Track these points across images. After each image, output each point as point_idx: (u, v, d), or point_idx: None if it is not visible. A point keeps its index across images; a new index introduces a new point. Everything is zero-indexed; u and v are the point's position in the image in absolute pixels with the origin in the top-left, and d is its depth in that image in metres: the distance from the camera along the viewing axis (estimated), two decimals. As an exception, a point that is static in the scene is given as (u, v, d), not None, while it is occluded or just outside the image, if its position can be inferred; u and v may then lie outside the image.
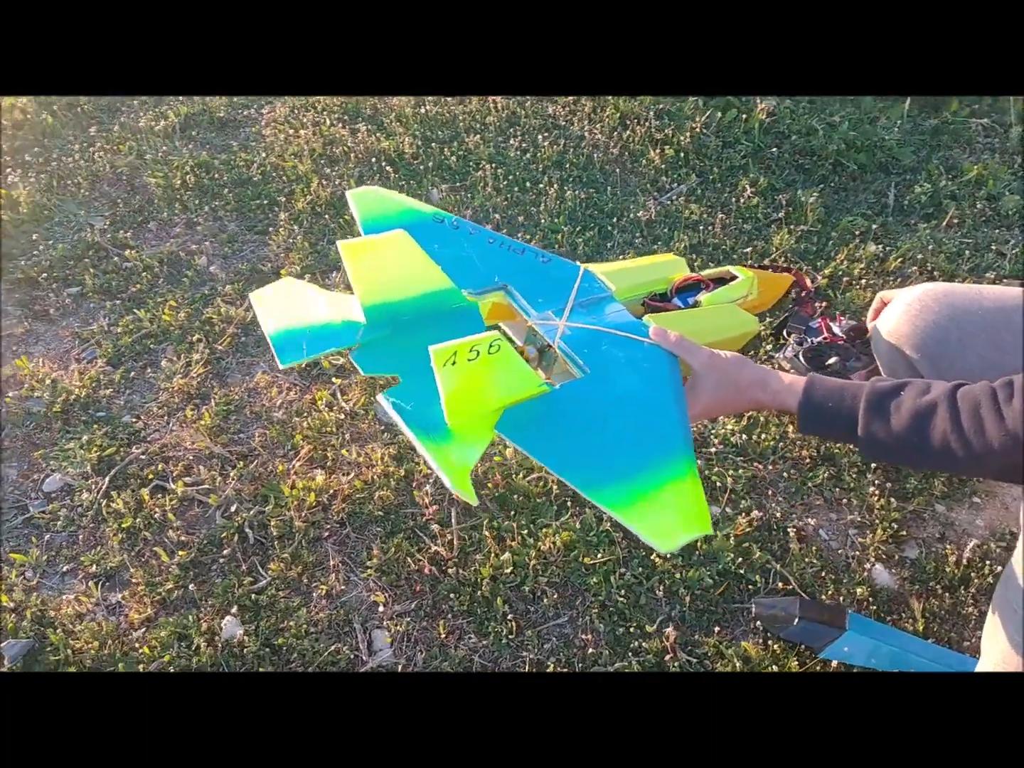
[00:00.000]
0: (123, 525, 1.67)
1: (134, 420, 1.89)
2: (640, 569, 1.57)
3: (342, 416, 1.85)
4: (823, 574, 1.57)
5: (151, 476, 1.77)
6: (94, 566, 1.62)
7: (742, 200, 2.39)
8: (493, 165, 2.49)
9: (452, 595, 1.55)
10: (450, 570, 1.57)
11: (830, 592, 1.54)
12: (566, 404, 1.15)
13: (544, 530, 1.63)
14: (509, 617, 1.51)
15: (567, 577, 1.58)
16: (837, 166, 2.54)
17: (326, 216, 2.37)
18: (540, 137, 2.60)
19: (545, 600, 1.55)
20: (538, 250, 1.40)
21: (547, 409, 1.14)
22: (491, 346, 1.05)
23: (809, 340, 1.83)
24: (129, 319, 2.11)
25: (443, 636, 1.51)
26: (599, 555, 1.59)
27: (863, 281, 2.15)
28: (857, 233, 2.30)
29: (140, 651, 1.49)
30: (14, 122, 2.75)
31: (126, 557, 1.63)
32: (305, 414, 1.86)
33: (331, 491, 1.71)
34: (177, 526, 1.66)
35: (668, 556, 1.57)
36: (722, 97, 2.69)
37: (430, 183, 2.47)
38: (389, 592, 1.58)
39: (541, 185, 2.43)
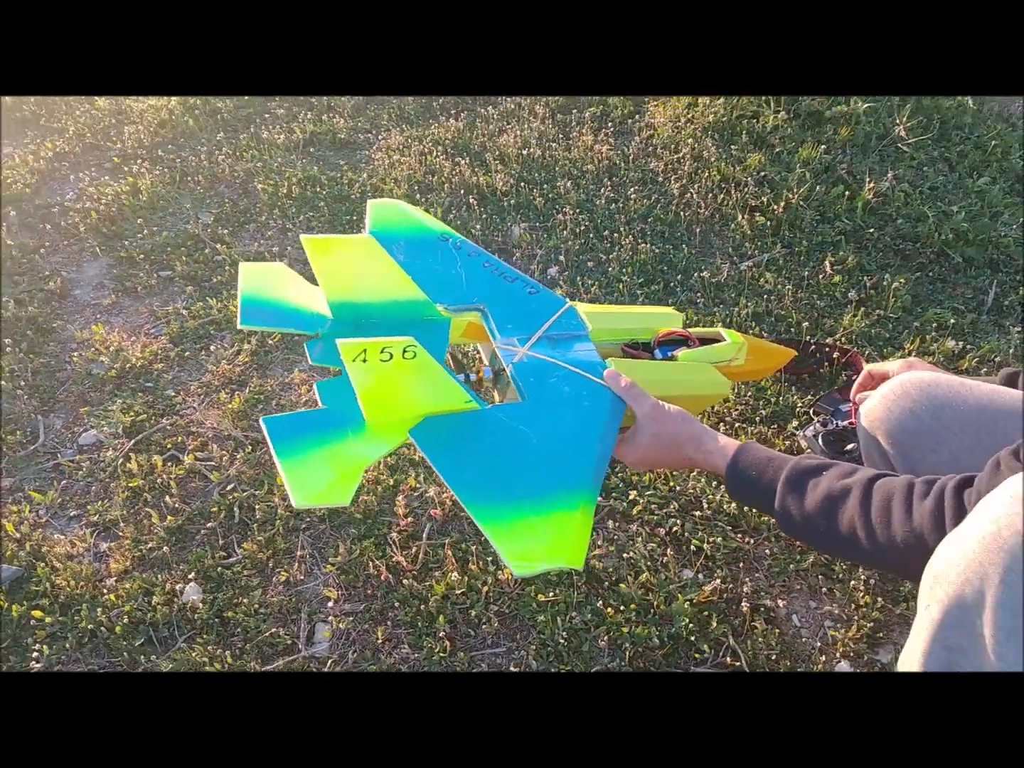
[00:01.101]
0: (131, 484, 1.84)
1: (174, 395, 2.08)
2: (591, 616, 1.57)
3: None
4: (779, 659, 1.51)
5: (170, 446, 1.94)
6: (96, 516, 1.80)
7: (822, 276, 2.35)
8: (577, 211, 2.58)
9: (400, 604, 1.61)
10: (405, 581, 1.63)
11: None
12: (490, 425, 1.22)
13: (508, 561, 1.66)
14: (444, 635, 1.55)
15: (517, 610, 1.61)
16: (940, 256, 2.45)
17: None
18: (633, 190, 2.67)
19: (487, 627, 1.58)
20: (531, 281, 1.49)
21: (469, 426, 1.22)
22: (405, 351, 1.13)
23: (834, 423, 1.79)
24: (200, 305, 2.33)
25: (379, 641, 1.57)
26: (553, 594, 1.60)
27: (927, 374, 2.05)
28: (939, 327, 2.21)
29: (106, 597, 1.63)
30: (159, 121, 3.11)
31: (124, 513, 1.80)
32: (323, 414, 1.99)
33: (321, 487, 1.81)
34: (176, 494, 1.82)
35: (612, 606, 1.57)
36: (831, 177, 2.66)
37: (513, 220, 2.58)
38: (343, 590, 1.65)
39: (618, 235, 2.49)
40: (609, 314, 1.48)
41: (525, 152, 2.85)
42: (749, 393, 1.99)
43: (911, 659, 0.90)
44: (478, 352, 1.58)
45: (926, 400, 1.32)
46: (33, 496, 1.84)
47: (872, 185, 2.59)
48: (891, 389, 1.36)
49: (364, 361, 1.13)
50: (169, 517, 1.77)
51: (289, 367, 2.16)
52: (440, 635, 1.55)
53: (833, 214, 2.57)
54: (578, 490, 1.15)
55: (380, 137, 3.06)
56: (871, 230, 2.51)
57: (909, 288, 2.31)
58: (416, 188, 2.73)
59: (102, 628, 1.59)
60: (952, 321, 2.20)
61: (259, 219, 2.67)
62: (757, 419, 1.93)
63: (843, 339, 2.16)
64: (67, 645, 1.56)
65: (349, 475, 1.16)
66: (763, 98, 3.00)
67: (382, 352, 1.13)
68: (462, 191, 2.68)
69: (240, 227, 2.65)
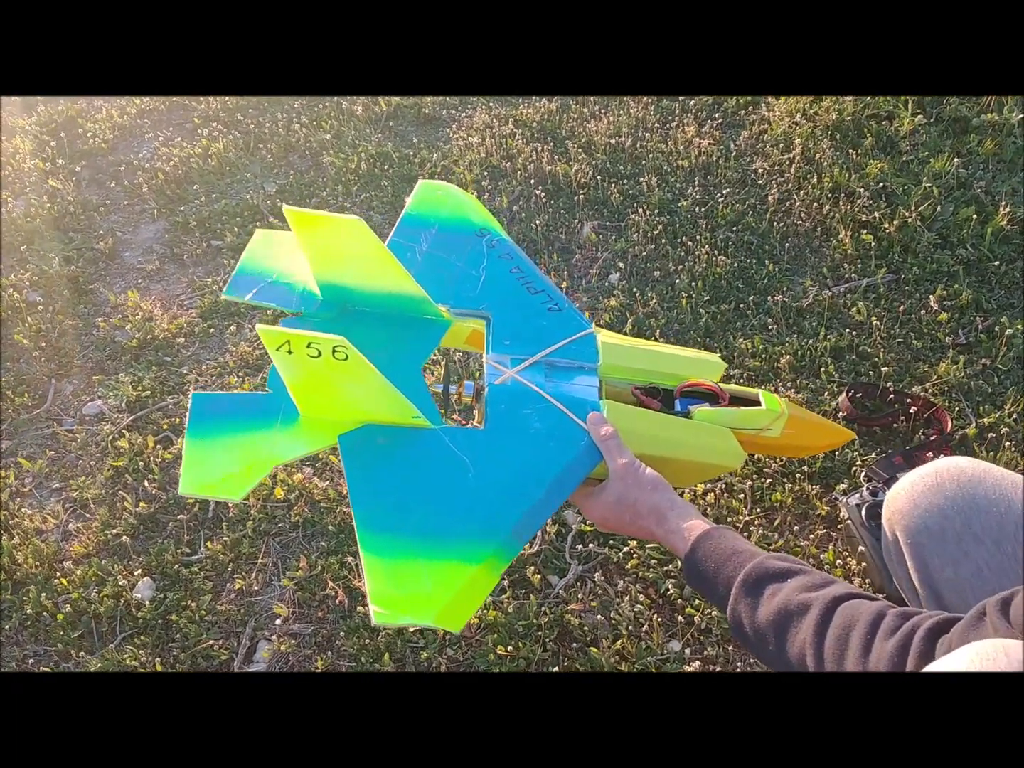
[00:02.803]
0: (116, 463, 1.84)
1: (187, 373, 2.08)
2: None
3: (357, 423, 1.89)
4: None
5: (166, 427, 1.93)
6: (77, 492, 1.81)
7: (925, 311, 2.09)
8: (656, 211, 2.41)
9: (347, 634, 1.53)
10: (361, 608, 1.55)
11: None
12: (429, 447, 1.13)
13: (476, 602, 1.55)
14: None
15: (472, 659, 1.49)
16: (1079, 302, 2.14)
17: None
18: (726, 191, 2.47)
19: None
20: (559, 297, 1.35)
21: (405, 443, 1.13)
22: (335, 351, 1.04)
23: (886, 493, 1.57)
24: (238, 280, 2.31)
25: (318, 671, 1.50)
26: (515, 648, 1.48)
27: (1028, 446, 1.79)
28: (1057, 386, 1.92)
29: (58, 581, 1.63)
30: (244, 84, 3.13)
31: (103, 493, 1.80)
32: (327, 411, 1.93)
33: (301, 491, 1.75)
34: (157, 479, 1.80)
35: (577, 671, 1.42)
36: (961, 195, 2.37)
37: (584, 217, 2.44)
38: (295, 608, 1.59)
39: (696, 243, 2.30)
40: (633, 350, 1.31)
41: (614, 141, 2.69)
42: (801, 442, 1.78)
43: None
44: None
45: (961, 499, 1.11)
46: (22, 463, 1.87)
47: (1008, 210, 2.28)
48: (922, 477, 1.16)
49: (289, 353, 1.05)
50: (142, 503, 1.76)
51: (307, 356, 2.11)
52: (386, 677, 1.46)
53: (956, 239, 2.28)
54: (488, 541, 1.04)
55: (465, 114, 2.97)
56: (997, 263, 2.21)
57: (1030, 338, 2.03)
58: (488, 174, 2.63)
59: (45, 613, 1.59)
60: (1074, 383, 1.91)
61: (321, 193, 2.64)
62: (800, 474, 1.72)
63: (933, 390, 1.91)
64: (8, 626, 1.57)
65: (253, 470, 1.10)
66: (901, 97, 2.72)
67: (308, 347, 1.04)
68: (533, 180, 2.55)
69: (301, 201, 2.62)
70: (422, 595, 0.98)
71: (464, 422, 1.77)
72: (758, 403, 1.27)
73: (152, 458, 1.85)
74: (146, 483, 1.80)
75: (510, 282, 1.36)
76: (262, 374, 2.05)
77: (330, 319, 1.28)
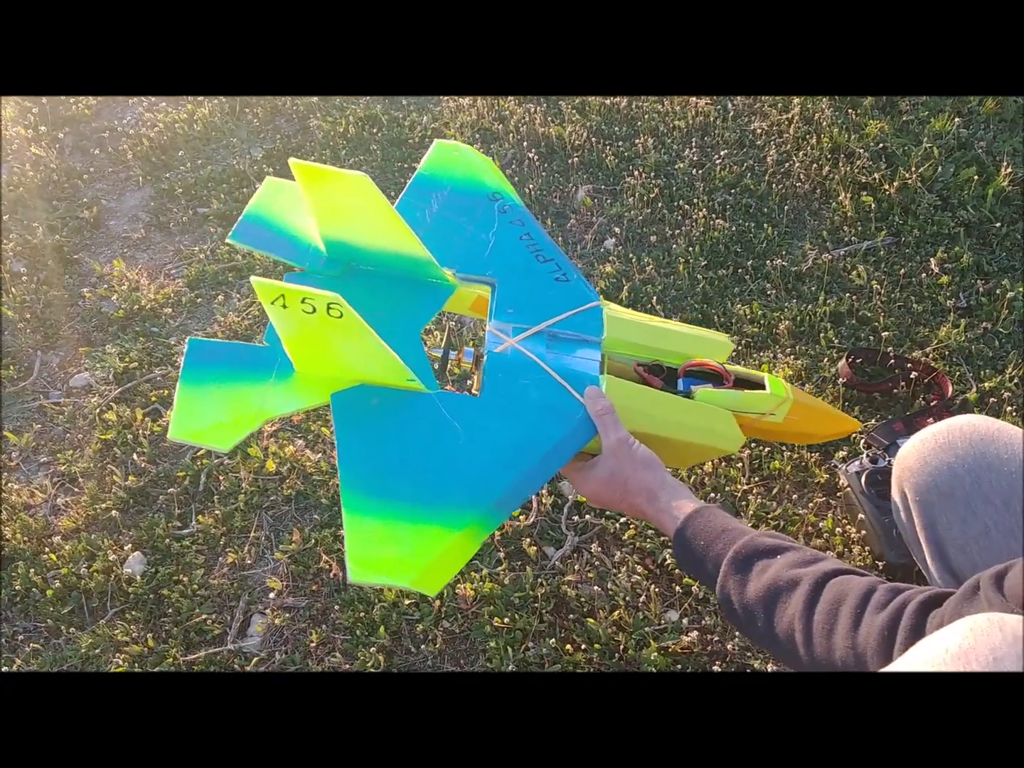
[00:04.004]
0: (104, 436, 1.83)
1: (175, 343, 2.05)
2: (547, 651, 1.44)
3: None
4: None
5: (154, 399, 1.91)
6: (65, 465, 1.79)
7: (926, 275, 2.07)
8: (653, 174, 2.37)
9: (342, 607, 1.52)
10: (355, 581, 1.54)
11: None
12: (422, 411, 1.13)
13: (472, 573, 1.54)
14: (378, 648, 1.45)
15: (469, 631, 1.49)
16: (1082, 264, 2.12)
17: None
18: (724, 153, 2.43)
19: (431, 647, 1.47)
20: (569, 267, 1.33)
21: (398, 406, 1.13)
22: (330, 307, 1.03)
23: (886, 461, 1.57)
24: (226, 248, 2.29)
25: (313, 645, 1.49)
26: (511, 620, 1.47)
27: (1030, 410, 1.78)
28: (1059, 349, 1.91)
29: (47, 556, 1.62)
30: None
31: (91, 466, 1.78)
32: (318, 381, 1.91)
33: (293, 464, 1.74)
34: (146, 453, 1.79)
35: (574, 642, 1.42)
36: (960, 152, 2.34)
37: (578, 181, 2.41)
38: (289, 582, 1.58)
39: (693, 206, 2.27)
40: (639, 325, 1.29)
41: (608, 102, 2.65)
42: (799, 409, 1.77)
43: None
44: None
45: (972, 458, 1.09)
46: (8, 437, 1.85)
47: (1010, 170, 2.26)
48: (933, 435, 1.14)
49: (284, 307, 1.04)
50: (131, 477, 1.74)
51: (297, 325, 2.08)
52: (373, 648, 1.45)
53: (957, 201, 2.26)
54: (472, 509, 1.05)
55: (457, 76, 2.92)
56: (998, 224, 2.19)
57: (1032, 301, 2.01)
58: (479, 136, 2.59)
59: (35, 589, 1.58)
60: (1077, 344, 1.90)
61: (309, 158, 2.59)
62: (799, 443, 1.71)
63: (934, 354, 1.90)
64: (-4, 603, 1.56)
65: (242, 423, 1.12)
66: (901, 55, 2.67)
67: (303, 302, 1.03)
68: (526, 143, 2.51)
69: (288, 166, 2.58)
70: (401, 557, 1.00)
71: (459, 390, 1.75)
72: (763, 387, 1.25)
73: (141, 431, 1.83)
74: (135, 456, 1.78)
75: (519, 249, 1.34)
76: (256, 339, 2.03)
77: (333, 276, 1.27)
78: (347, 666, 1.46)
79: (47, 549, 1.64)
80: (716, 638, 1.45)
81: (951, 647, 0.63)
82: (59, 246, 2.34)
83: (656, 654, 1.40)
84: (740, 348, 1.92)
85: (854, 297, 2.04)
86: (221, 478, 1.74)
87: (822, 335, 1.94)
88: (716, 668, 1.40)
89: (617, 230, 2.24)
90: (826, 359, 1.88)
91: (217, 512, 1.68)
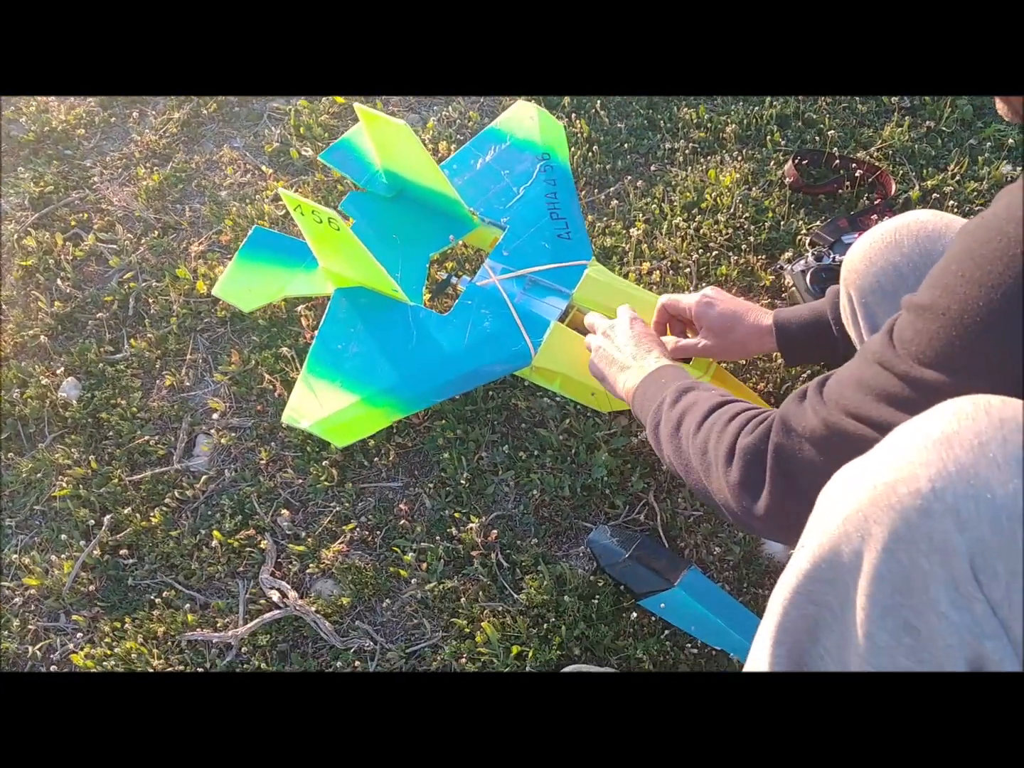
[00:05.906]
0: (25, 263, 1.74)
1: (91, 165, 1.94)
2: (501, 459, 1.45)
3: (281, 213, 1.79)
4: (697, 523, 1.38)
5: (74, 223, 1.81)
6: (-15, 296, 1.71)
7: (872, 75, 2.02)
8: None
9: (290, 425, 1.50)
10: (300, 398, 1.52)
11: (698, 550, 1.36)
12: (395, 316, 1.41)
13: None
14: (330, 463, 1.45)
15: (422, 444, 1.49)
16: None
17: None
18: None
19: (385, 460, 1.47)
20: (577, 228, 1.53)
21: (379, 309, 1.42)
22: (330, 220, 1.28)
23: (831, 257, 1.57)
24: (137, 63, 2.13)
25: (263, 463, 1.48)
26: (464, 432, 1.47)
27: (969, 207, 1.78)
28: (997, 146, 1.90)
29: (-25, 386, 1.56)
30: None
31: (14, 294, 1.70)
32: (248, 201, 1.82)
33: (228, 284, 1.68)
34: (70, 278, 1.71)
35: (527, 450, 1.44)
36: None
37: None
38: (232, 403, 1.55)
39: None
40: (609, 288, 1.48)
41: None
42: (745, 215, 1.75)
43: (773, 607, 0.74)
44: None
45: (919, 255, 1.09)
46: (-80, 265, 1.75)
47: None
48: (881, 235, 1.14)
49: (302, 215, 1.32)
50: (57, 303, 1.67)
51: (220, 143, 1.98)
52: (326, 463, 1.45)
53: (905, -2, 2.19)
54: (394, 395, 1.32)
55: None
56: (947, 21, 2.13)
57: (973, 98, 1.98)
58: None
59: (-35, 418, 1.53)
60: (1012, 142, 1.89)
61: None
62: (745, 246, 1.70)
63: (878, 154, 1.88)
64: (-75, 435, 1.51)
65: (265, 294, 1.50)
66: None
67: (313, 213, 1.29)
68: None
69: None
70: (323, 413, 1.31)
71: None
72: (687, 361, 1.40)
73: (63, 256, 1.74)
74: (59, 282, 1.70)
75: (539, 205, 1.54)
76: (171, 163, 1.92)
77: (385, 199, 1.58)
78: (300, 482, 1.46)
79: (-26, 379, 1.58)
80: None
81: (932, 433, 0.60)
82: (-48, 64, 2.15)
83: (607, 455, 1.42)
84: (687, 153, 1.87)
85: (799, 99, 2.00)
86: (151, 301, 1.67)
87: (768, 138, 1.90)
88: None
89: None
90: (772, 163, 1.85)
91: (150, 336, 1.62)
